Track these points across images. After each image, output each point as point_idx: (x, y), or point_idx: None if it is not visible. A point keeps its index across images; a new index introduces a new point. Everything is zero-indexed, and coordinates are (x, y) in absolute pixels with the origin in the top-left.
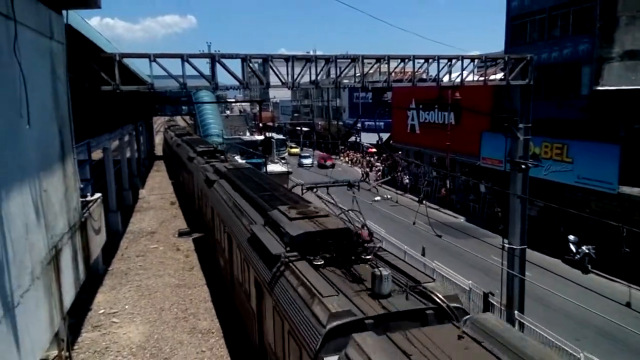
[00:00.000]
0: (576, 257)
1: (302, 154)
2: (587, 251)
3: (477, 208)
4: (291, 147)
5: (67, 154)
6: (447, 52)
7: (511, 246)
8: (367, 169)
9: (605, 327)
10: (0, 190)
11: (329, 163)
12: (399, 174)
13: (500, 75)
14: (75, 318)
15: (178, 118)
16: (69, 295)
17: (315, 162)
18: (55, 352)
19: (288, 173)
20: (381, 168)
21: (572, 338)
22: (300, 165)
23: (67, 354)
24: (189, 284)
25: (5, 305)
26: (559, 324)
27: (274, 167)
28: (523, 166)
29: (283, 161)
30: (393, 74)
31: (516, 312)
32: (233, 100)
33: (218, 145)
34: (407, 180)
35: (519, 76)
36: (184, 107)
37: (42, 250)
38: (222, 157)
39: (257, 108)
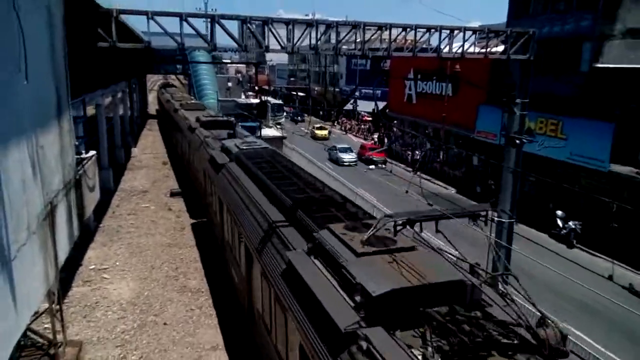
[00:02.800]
0: (562, 232)
1: (340, 146)
2: (573, 227)
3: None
4: (317, 128)
5: (63, 111)
6: (448, 22)
7: (500, 220)
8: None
9: (584, 300)
10: None
11: (378, 158)
12: (394, 144)
13: (501, 48)
14: (65, 272)
15: (172, 77)
16: (63, 250)
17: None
18: (46, 305)
19: (282, 138)
20: (375, 138)
21: (551, 310)
22: (334, 160)
23: (57, 307)
24: (179, 244)
25: (2, 258)
26: (540, 295)
27: (267, 132)
28: (517, 141)
29: (279, 126)
30: (394, 42)
31: (499, 283)
32: (229, 61)
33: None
34: (417, 156)
35: (520, 50)
36: (178, 66)
37: (38, 205)
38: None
39: (253, 70)
